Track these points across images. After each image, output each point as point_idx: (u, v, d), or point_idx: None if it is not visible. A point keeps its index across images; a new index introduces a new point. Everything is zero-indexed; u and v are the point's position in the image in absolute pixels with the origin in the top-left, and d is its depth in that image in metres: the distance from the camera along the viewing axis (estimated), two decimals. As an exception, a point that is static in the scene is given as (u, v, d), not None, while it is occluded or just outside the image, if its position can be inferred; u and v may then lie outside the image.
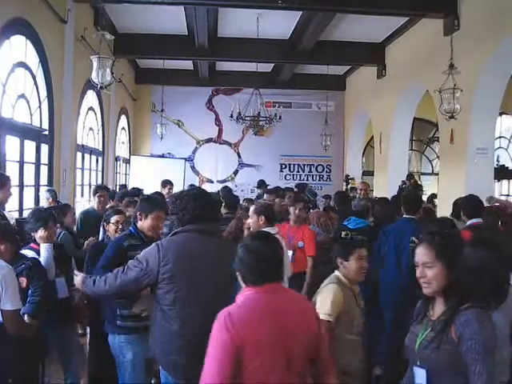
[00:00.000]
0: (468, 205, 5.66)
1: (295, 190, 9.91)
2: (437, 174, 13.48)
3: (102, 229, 5.52)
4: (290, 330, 2.46)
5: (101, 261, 3.86)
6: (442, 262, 2.50)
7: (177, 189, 9.29)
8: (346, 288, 3.44)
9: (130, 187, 10.88)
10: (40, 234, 4.22)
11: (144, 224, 3.99)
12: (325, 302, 3.33)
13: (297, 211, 6.11)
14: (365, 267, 3.52)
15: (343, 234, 3.74)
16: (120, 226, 4.63)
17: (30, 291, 3.75)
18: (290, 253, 5.66)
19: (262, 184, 11.21)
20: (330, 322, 3.25)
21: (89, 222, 6.94)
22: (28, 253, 4.15)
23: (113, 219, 4.70)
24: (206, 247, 3.32)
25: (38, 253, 4.19)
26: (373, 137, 14.30)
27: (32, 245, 4.28)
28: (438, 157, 14.56)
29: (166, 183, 9.21)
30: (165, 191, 8.74)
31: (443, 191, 9.51)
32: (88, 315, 4.63)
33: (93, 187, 9.01)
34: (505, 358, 2.80)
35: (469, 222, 5.47)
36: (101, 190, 7.58)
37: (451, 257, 2.53)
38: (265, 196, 8.58)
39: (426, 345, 2.51)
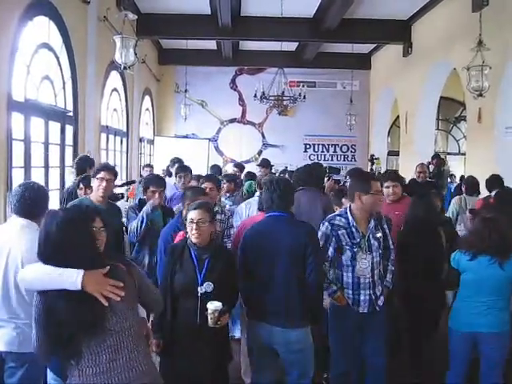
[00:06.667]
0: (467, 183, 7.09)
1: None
2: (463, 154, 13.30)
3: None
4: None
5: None
6: None
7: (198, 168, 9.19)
8: None
9: (155, 168, 10.86)
10: None
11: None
12: None
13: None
14: None
15: None
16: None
17: None
18: None
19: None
20: None
21: None
22: None
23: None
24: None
25: None
26: (398, 116, 14.11)
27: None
28: (464, 136, 14.32)
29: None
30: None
31: (470, 171, 9.33)
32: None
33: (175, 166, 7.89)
34: None
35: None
36: (183, 170, 7.12)
37: None
38: (258, 169, 9.00)
39: None
